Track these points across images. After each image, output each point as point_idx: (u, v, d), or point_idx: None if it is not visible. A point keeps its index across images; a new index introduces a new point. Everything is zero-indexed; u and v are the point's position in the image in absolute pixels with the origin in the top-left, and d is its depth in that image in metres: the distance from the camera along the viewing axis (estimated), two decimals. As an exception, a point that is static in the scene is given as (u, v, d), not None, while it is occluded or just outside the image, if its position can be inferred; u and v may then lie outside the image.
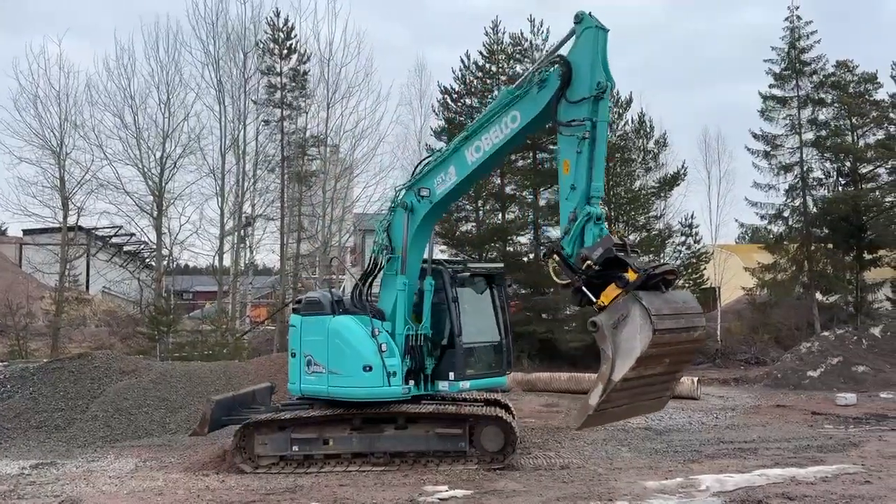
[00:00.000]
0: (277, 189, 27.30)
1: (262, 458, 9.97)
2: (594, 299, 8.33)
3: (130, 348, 22.40)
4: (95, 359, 15.53)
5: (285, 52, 27.15)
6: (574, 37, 9.14)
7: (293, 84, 27.19)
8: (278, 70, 27.15)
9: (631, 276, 8.16)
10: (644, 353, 7.80)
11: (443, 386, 10.40)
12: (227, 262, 26.31)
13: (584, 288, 8.39)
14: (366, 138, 27.58)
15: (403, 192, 10.68)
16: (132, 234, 32.44)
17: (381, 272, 10.70)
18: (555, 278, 8.96)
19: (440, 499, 8.24)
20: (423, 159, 11.61)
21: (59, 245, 25.69)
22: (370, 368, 9.90)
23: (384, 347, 10.02)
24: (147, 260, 36.87)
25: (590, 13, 9.04)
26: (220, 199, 25.40)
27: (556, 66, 9.20)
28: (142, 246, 35.71)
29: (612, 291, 8.21)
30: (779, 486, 8.67)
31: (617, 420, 9.39)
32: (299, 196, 27.19)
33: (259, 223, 27.80)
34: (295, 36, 27.29)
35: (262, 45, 27.07)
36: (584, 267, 8.37)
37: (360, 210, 29.79)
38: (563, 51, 9.42)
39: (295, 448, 9.98)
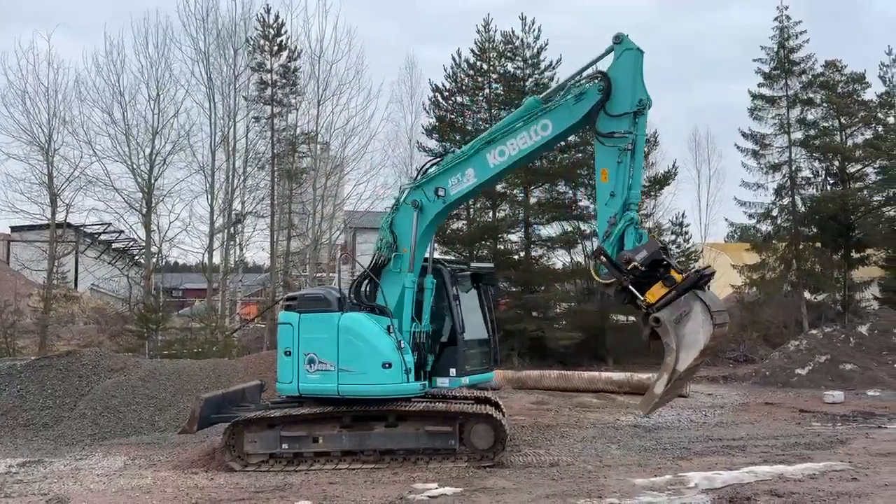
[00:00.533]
0: (267, 186, 27.22)
1: (251, 456, 9.92)
2: (640, 297, 9.10)
3: (119, 346, 22.29)
4: (84, 356, 15.43)
5: (275, 48, 27.08)
6: (613, 55, 9.88)
7: (283, 81, 27.12)
8: (268, 67, 27.08)
9: (676, 276, 9.02)
10: (706, 345, 8.80)
11: (442, 382, 10.51)
12: (216, 259, 26.27)
13: (630, 287, 9.13)
14: (356, 136, 27.59)
15: (408, 190, 10.74)
16: (121, 232, 32.29)
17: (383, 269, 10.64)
18: (596, 278, 9.76)
19: (430, 496, 8.24)
20: (430, 160, 11.93)
21: (48, 242, 25.53)
22: (389, 365, 9.87)
23: (402, 344, 10.09)
24: (136, 257, 36.64)
25: (627, 35, 9.86)
26: (209, 196, 25.34)
27: (596, 81, 9.76)
28: (131, 243, 35.51)
29: (658, 290, 9.04)
30: (767, 483, 8.72)
31: (662, 406, 10.11)
32: (289, 193, 27.12)
33: (249, 220, 27.76)
34: (285, 32, 27.25)
35: (252, 42, 27.00)
36: (629, 268, 9.09)
37: (351, 208, 29.77)
38: (596, 66, 10.01)
39: (284, 446, 9.94)
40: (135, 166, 24.47)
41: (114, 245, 37.49)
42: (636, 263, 9.09)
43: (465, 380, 10.76)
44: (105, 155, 24.52)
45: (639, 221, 9.75)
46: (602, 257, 9.45)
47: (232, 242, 26.98)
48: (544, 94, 10.81)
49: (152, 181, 24.55)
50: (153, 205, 24.70)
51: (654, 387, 8.87)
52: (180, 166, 25.77)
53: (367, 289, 10.65)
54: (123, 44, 29.27)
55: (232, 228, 26.55)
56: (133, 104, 24.83)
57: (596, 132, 9.76)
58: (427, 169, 10.90)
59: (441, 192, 10.37)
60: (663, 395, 9.02)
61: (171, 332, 23.49)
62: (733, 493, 8.19)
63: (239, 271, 28.69)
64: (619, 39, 9.86)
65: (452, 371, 10.48)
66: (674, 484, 8.72)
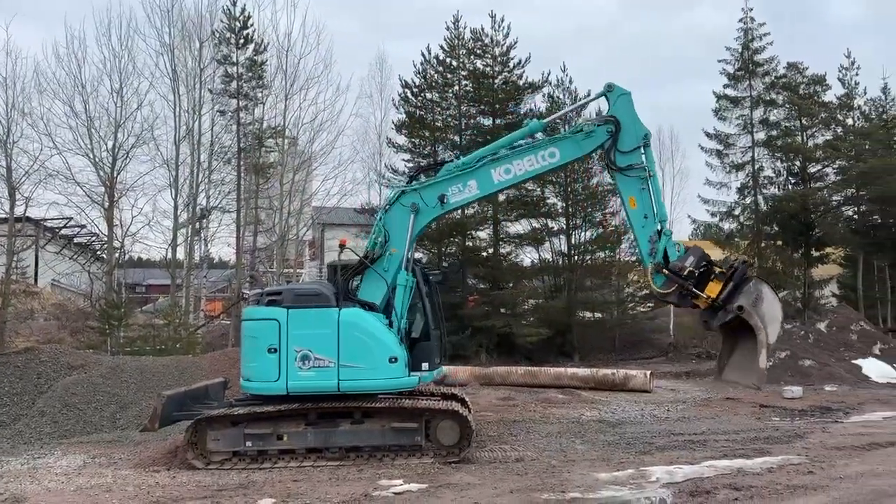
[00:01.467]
0: (233, 181, 26.86)
1: (214, 454, 9.80)
2: (702, 294, 10.81)
3: (80, 342, 21.84)
4: (43, 353, 15.13)
5: (242, 41, 26.73)
6: (609, 101, 11.34)
7: (250, 74, 26.78)
8: (234, 60, 26.73)
9: (718, 270, 10.80)
10: (782, 317, 10.81)
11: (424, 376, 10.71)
12: (180, 254, 25.85)
13: (693, 288, 10.83)
14: (325, 131, 27.37)
15: (407, 192, 10.97)
16: (83, 226, 31.61)
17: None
18: (656, 289, 11.24)
19: (395, 493, 8.23)
20: (425, 165, 13.21)
21: (6, 236, 24.83)
22: (395, 360, 10.00)
23: (403, 339, 10.28)
24: (98, 252, 35.95)
25: (615, 83, 11.41)
26: (173, 190, 24.90)
27: (607, 123, 11.05)
28: (92, 238, 34.81)
29: (715, 286, 10.78)
30: (726, 476, 8.88)
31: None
32: (256, 188, 26.82)
33: (214, 215, 27.33)
34: (252, 25, 26.89)
35: (217, 35, 26.59)
36: (685, 274, 10.76)
37: (319, 203, 29.55)
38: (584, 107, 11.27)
39: (248, 444, 9.83)
40: (97, 159, 23.95)
41: (75, 240, 36.72)
42: (690, 268, 10.76)
43: (435, 373, 11.06)
44: (66, 148, 23.91)
45: (672, 235, 11.34)
46: (665, 270, 10.89)
47: (196, 238, 26.55)
48: (546, 119, 12.54)
49: (115, 175, 24.03)
50: (115, 199, 24.19)
51: (759, 363, 10.69)
52: (144, 160, 25.34)
53: (352, 285, 10.67)
54: (85, 35, 28.81)
55: (197, 223, 26.15)
56: (95, 96, 24.29)
57: (616, 168, 11.09)
58: (420, 173, 11.50)
59: (444, 199, 10.85)
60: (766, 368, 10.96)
61: (134, 328, 23.07)
62: (694, 487, 8.32)
63: (204, 267, 28.26)
64: (610, 88, 11.30)
65: (425, 365, 10.57)
66: (636, 478, 8.83)
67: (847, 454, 10.26)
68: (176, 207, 24.81)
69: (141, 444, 11.69)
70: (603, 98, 11.93)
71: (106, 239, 25.57)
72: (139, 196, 25.50)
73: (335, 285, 10.55)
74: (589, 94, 29.12)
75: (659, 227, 11.17)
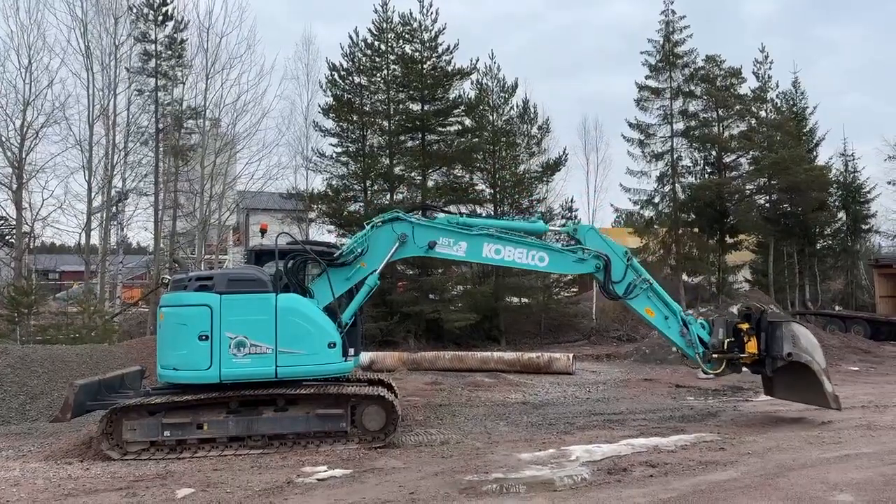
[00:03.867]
0: (151, 163, 25.92)
1: (130, 445, 9.49)
2: (744, 354, 11.52)
3: (-14, 331, 20.70)
4: (-57, 343, 14.27)
5: (160, 18, 25.72)
6: (576, 240, 11.82)
7: (169, 53, 25.83)
8: (153, 37, 25.70)
9: (744, 327, 11.57)
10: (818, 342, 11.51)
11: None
12: (95, 239, 24.82)
13: (741, 355, 11.54)
14: (248, 112, 26.82)
15: (397, 217, 11.20)
16: (-11, 209, 29.86)
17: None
18: (713, 374, 11.77)
19: (319, 479, 8.17)
20: (434, 206, 12.81)
21: None
22: (334, 345, 10.03)
23: (341, 324, 10.31)
24: (6, 237, 34.07)
25: (579, 220, 12.82)
26: (87, 172, 23.87)
27: (598, 258, 11.56)
28: (0, 222, 32.96)
29: (752, 344, 11.52)
30: (643, 454, 9.21)
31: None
32: (175, 171, 25.94)
33: (131, 199, 26.33)
34: (171, 2, 25.94)
35: (135, 10, 25.51)
36: (726, 348, 11.56)
37: (243, 187, 28.81)
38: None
39: (167, 433, 9.54)
40: (4, 139, 22.71)
41: (-20, 224, 34.66)
42: (727, 341, 11.59)
43: (359, 359, 11.23)
44: (-31, 126, 22.59)
45: (694, 318, 12.03)
46: (714, 355, 11.59)
47: (112, 222, 25.53)
48: (551, 227, 13.46)
49: (23, 155, 22.85)
50: (24, 181, 23.01)
51: (826, 387, 11.05)
52: (55, 140, 24.19)
53: (294, 271, 10.52)
54: (-11, 6, 26.96)
55: (113, 207, 25.12)
56: (2, 72, 23.01)
57: (621, 297, 11.61)
58: (425, 211, 11.58)
59: (433, 246, 11.11)
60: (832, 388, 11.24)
61: (46, 316, 22.06)
62: (611, 465, 8.59)
63: (120, 253, 27.20)
64: (575, 230, 11.93)
65: (352, 351, 10.58)
66: (557, 457, 9.05)
67: (755, 431, 10.82)
68: (90, 190, 23.81)
69: (52, 435, 11.21)
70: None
71: (14, 223, 24.26)
72: (50, 178, 24.54)
73: (284, 270, 10.34)
74: (516, 85, 29.77)
75: (682, 319, 11.70)
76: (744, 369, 12.11)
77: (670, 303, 11.85)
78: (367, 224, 11.23)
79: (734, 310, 16.61)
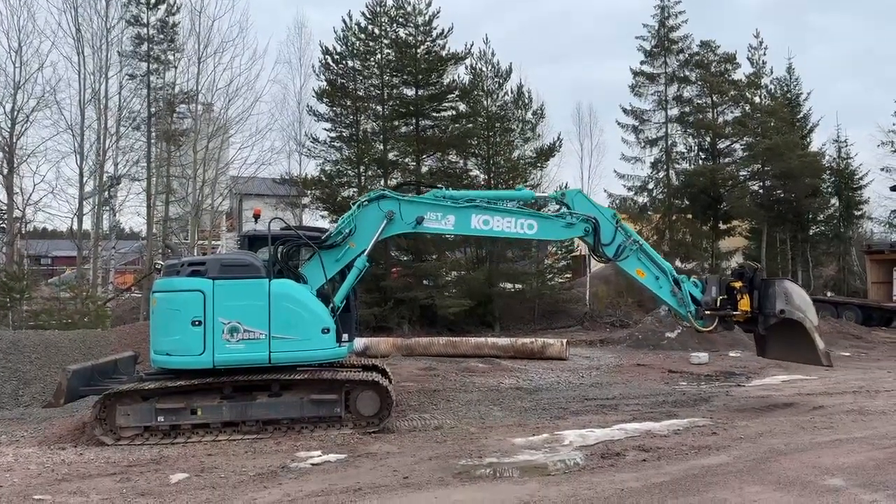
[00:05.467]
0: (143, 148, 25.74)
1: (124, 430, 9.45)
2: (737, 312, 11.46)
3: (-22, 317, 20.62)
4: (-66, 328, 14.20)
5: (152, 1, 25.45)
6: (566, 206, 11.64)
7: (161, 36, 25.59)
8: (144, 21, 25.44)
9: (738, 286, 11.49)
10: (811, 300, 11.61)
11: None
12: (87, 225, 24.68)
13: (733, 312, 11.48)
14: (241, 97, 26.55)
15: (382, 195, 11.00)
16: (-22, 194, 29.63)
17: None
18: (703, 330, 11.78)
19: (313, 464, 8.18)
20: (412, 181, 12.73)
21: None
22: (328, 330, 9.98)
23: (334, 309, 10.23)
24: (-3, 222, 33.89)
25: (566, 185, 12.45)
26: (78, 157, 23.66)
27: (587, 222, 11.46)
28: (-10, 207, 32.74)
29: (745, 301, 11.45)
30: (635, 439, 9.26)
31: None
32: (168, 156, 25.77)
33: (123, 184, 26.18)
34: (163, -16, 25.63)
35: (127, -7, 25.22)
36: (719, 305, 11.47)
37: (235, 173, 28.67)
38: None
39: (160, 418, 9.51)
40: (-7, 123, 22.50)
41: (-29, 208, 34.41)
42: (720, 298, 11.52)
43: (353, 345, 11.19)
44: (-41, 110, 22.38)
45: (687, 277, 11.93)
46: (706, 312, 11.51)
47: (105, 207, 25.39)
48: (538, 193, 13.39)
49: (14, 140, 22.66)
50: (15, 165, 22.84)
51: (818, 345, 11.06)
52: (46, 124, 24.15)
53: (287, 256, 10.50)
54: (-22, -12, 26.56)
55: (105, 192, 24.97)
56: (-9, 55, 22.77)
57: (611, 259, 11.60)
58: (410, 187, 11.43)
59: (420, 221, 10.95)
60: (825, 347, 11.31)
61: (38, 301, 21.97)
62: (605, 450, 8.63)
63: (112, 238, 27.09)
64: (563, 193, 11.86)
65: (346, 336, 10.54)
66: (550, 442, 9.09)
67: (748, 416, 10.87)
68: (81, 175, 23.63)
69: (45, 420, 11.17)
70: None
71: (5, 208, 24.10)
72: (41, 162, 24.40)
73: (277, 255, 10.31)
74: (510, 70, 29.60)
75: (673, 278, 11.64)
76: (735, 328, 12.14)
77: (661, 262, 11.79)
78: (354, 204, 11.17)
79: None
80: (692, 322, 11.70)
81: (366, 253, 10.74)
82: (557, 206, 12.04)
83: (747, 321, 11.71)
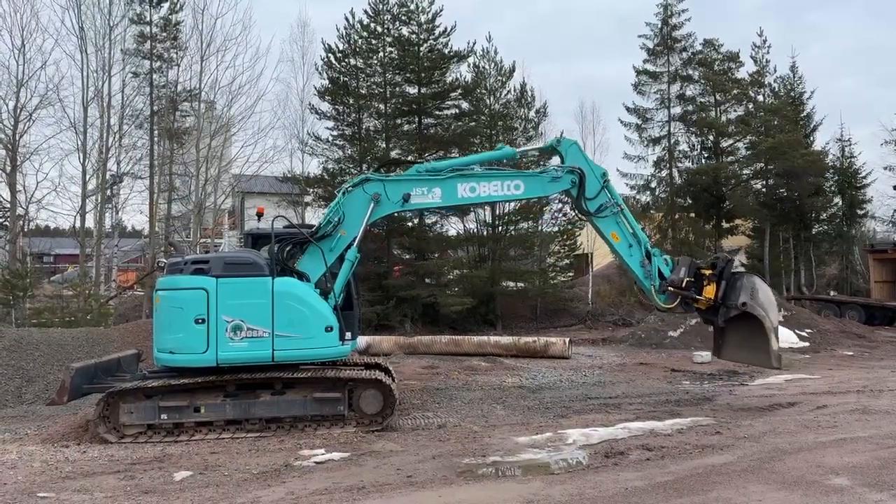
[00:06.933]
0: (146, 146, 25.70)
1: (127, 428, 9.48)
2: (699, 297, 11.37)
3: (-19, 314, 20.65)
4: (-62, 326, 14.22)
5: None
6: (559, 154, 11.75)
7: (164, 34, 25.57)
8: (148, 19, 25.44)
9: (707, 273, 11.38)
10: (777, 301, 11.60)
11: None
12: (90, 223, 24.68)
13: (696, 296, 11.36)
14: (244, 95, 26.53)
15: (366, 179, 10.98)
16: (-19, 192, 29.67)
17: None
18: (663, 306, 11.69)
19: (316, 462, 8.18)
20: (394, 160, 12.73)
21: None
22: (331, 329, 9.96)
23: (337, 308, 10.20)
24: (0, 220, 33.93)
25: (562, 133, 12.21)
26: (81, 154, 23.66)
27: (572, 173, 11.43)
28: (-7, 205, 32.79)
29: (710, 288, 11.34)
30: (639, 438, 9.24)
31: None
32: (170, 154, 25.77)
33: (126, 182, 26.16)
34: (166, -17, 25.61)
35: (129, -9, 25.21)
36: (684, 285, 11.33)
37: (238, 171, 28.67)
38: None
39: (164, 416, 9.53)
40: (-4, 121, 22.49)
41: (-27, 206, 34.45)
42: (687, 279, 11.37)
43: (356, 343, 11.13)
44: (-39, 108, 22.37)
45: (661, 252, 11.91)
46: (669, 288, 11.42)
47: (107, 205, 25.39)
48: (519, 149, 13.23)
49: (17, 137, 22.66)
50: (18, 163, 22.84)
51: (772, 345, 10.94)
52: (49, 122, 24.08)
53: (288, 255, 10.49)
54: (-19, -14, 26.59)
55: (108, 190, 24.97)
56: (-7, 53, 22.75)
57: (590, 213, 11.55)
58: (390, 166, 11.35)
59: (407, 198, 10.94)
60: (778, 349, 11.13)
61: (41, 299, 21.99)
62: (608, 448, 8.62)
63: (115, 236, 27.09)
64: (558, 142, 11.85)
65: (349, 335, 10.50)
66: (553, 441, 9.08)
67: (751, 415, 10.85)
68: (84, 173, 23.63)
69: (49, 418, 11.21)
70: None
71: (8, 206, 24.12)
72: (44, 160, 24.39)
73: (276, 253, 10.27)
74: (513, 68, 29.58)
75: (645, 250, 11.68)
76: (697, 319, 12.14)
77: (639, 233, 11.77)
78: (339, 192, 11.13)
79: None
80: (653, 296, 11.67)
81: (357, 239, 10.66)
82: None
83: (709, 310, 11.63)
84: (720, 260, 11.81)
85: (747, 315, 11.21)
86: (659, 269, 11.58)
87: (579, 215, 12.04)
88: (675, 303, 11.58)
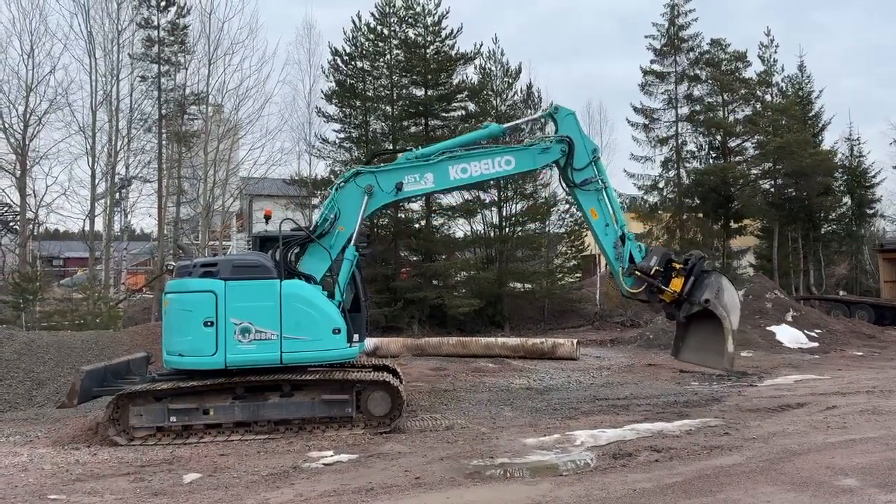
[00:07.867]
0: (154, 149, 25.86)
1: (137, 430, 9.53)
2: (665, 288, 11.40)
3: (-9, 318, 20.79)
4: (-51, 329, 14.32)
5: (163, 3, 25.60)
6: (554, 121, 11.89)
7: (172, 38, 25.70)
8: (155, 23, 25.58)
9: (678, 266, 11.41)
10: (741, 304, 11.69)
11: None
12: (99, 226, 24.84)
13: (661, 286, 11.39)
14: (251, 98, 26.63)
15: (357, 172, 10.98)
16: (-8, 196, 29.88)
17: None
18: (627, 290, 11.67)
19: (325, 464, 8.21)
20: (383, 150, 12.83)
21: None
22: (339, 331, 10.01)
23: (343, 310, 10.25)
24: (10, 223, 34.16)
25: (559, 104, 12.04)
26: (90, 158, 23.80)
27: (561, 142, 11.49)
28: (4, 209, 33.01)
29: (678, 281, 11.38)
30: (647, 439, 9.22)
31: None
32: (178, 157, 25.90)
33: (135, 185, 26.34)
34: (173, -13, 25.76)
35: (137, -4, 25.37)
36: (652, 273, 11.36)
37: (246, 174, 28.78)
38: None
39: (173, 419, 9.58)
40: (6, 125, 22.69)
41: (-16, 211, 34.71)
42: (656, 268, 11.38)
43: (363, 345, 11.17)
44: (-29, 114, 22.55)
45: (633, 236, 11.93)
46: (637, 272, 11.44)
47: (116, 208, 25.56)
48: (506, 125, 13.02)
49: (26, 142, 22.83)
50: (28, 167, 23.02)
51: (728, 347, 11.01)
52: (58, 126, 24.13)
53: (291, 257, 10.55)
54: (-10, -8, 26.85)
55: (116, 194, 25.12)
56: (4, 58, 23.04)
57: (574, 184, 11.58)
58: (378, 158, 11.34)
59: (400, 187, 10.95)
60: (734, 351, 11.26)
61: (51, 302, 22.12)
62: (616, 450, 8.60)
63: (124, 239, 27.25)
64: (556, 109, 11.90)
65: (356, 337, 10.54)
66: (561, 442, 9.07)
67: (760, 416, 10.80)
68: (93, 176, 23.79)
69: (59, 421, 11.27)
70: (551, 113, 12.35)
71: (18, 209, 24.30)
72: (54, 164, 24.58)
73: (280, 256, 10.32)
74: (520, 69, 29.58)
75: (621, 233, 11.65)
76: (659, 306, 12.05)
77: (619, 215, 11.82)
78: (331, 188, 11.17)
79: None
80: (619, 279, 11.70)
81: (355, 233, 10.67)
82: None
83: (672, 304, 11.66)
84: (693, 256, 11.81)
85: (709, 316, 11.23)
86: (631, 253, 11.62)
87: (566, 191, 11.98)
88: (641, 289, 11.60)
